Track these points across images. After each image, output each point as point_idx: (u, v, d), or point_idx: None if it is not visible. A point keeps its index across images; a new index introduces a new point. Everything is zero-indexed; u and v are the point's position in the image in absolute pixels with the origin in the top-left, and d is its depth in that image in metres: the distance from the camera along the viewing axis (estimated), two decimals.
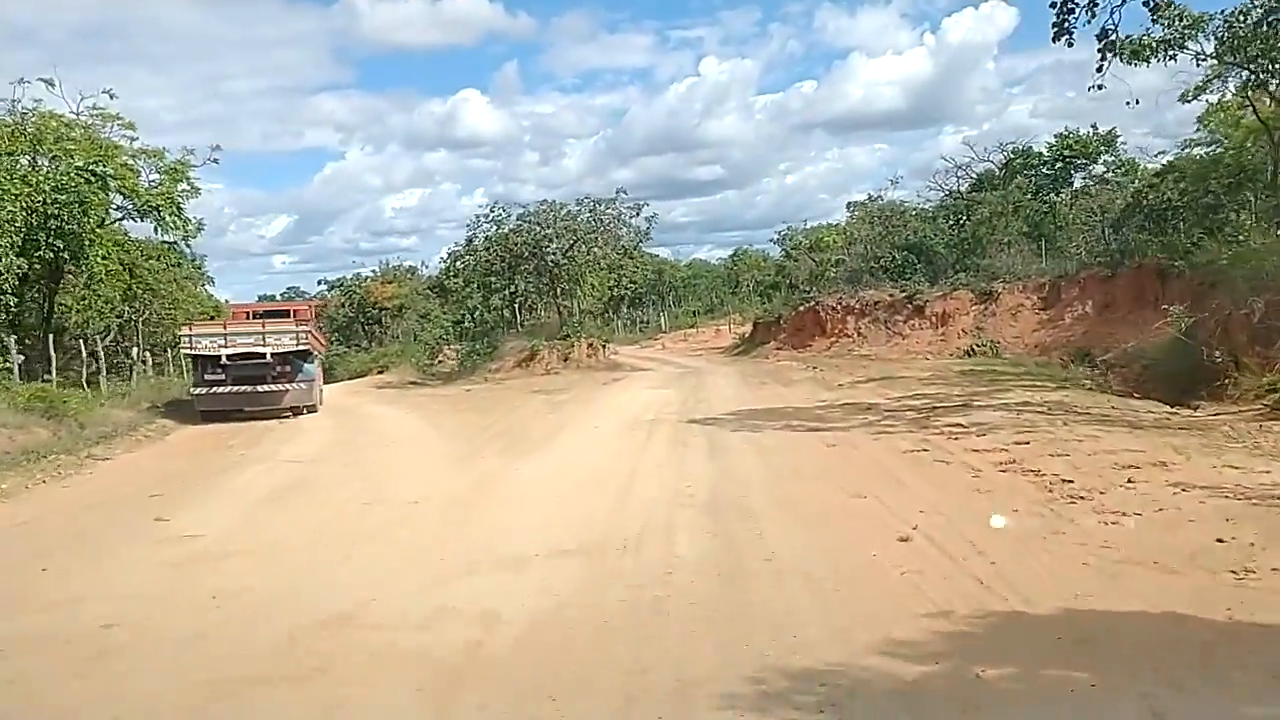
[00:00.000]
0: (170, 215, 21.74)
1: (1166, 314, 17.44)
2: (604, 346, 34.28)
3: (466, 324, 39.43)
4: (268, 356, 19.99)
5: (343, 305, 53.52)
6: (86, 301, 24.35)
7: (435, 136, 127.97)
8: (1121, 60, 16.16)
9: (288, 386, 20.59)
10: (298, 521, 9.52)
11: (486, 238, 34.81)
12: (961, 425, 13.02)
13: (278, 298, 65.36)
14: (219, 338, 20.02)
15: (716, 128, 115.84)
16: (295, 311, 25.45)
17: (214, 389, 20.18)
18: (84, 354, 24.04)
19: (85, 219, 19.95)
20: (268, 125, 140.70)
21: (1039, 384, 18.70)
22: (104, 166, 20.52)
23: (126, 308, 27.35)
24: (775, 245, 59.98)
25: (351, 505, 10.09)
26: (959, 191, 45.23)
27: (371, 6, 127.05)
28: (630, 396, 20.92)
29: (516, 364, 32.66)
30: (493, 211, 34.90)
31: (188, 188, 22.23)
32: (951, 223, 43.38)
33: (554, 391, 23.29)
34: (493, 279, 35.29)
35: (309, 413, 21.47)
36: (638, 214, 35.18)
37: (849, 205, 54.20)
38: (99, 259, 20.84)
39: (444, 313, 46.37)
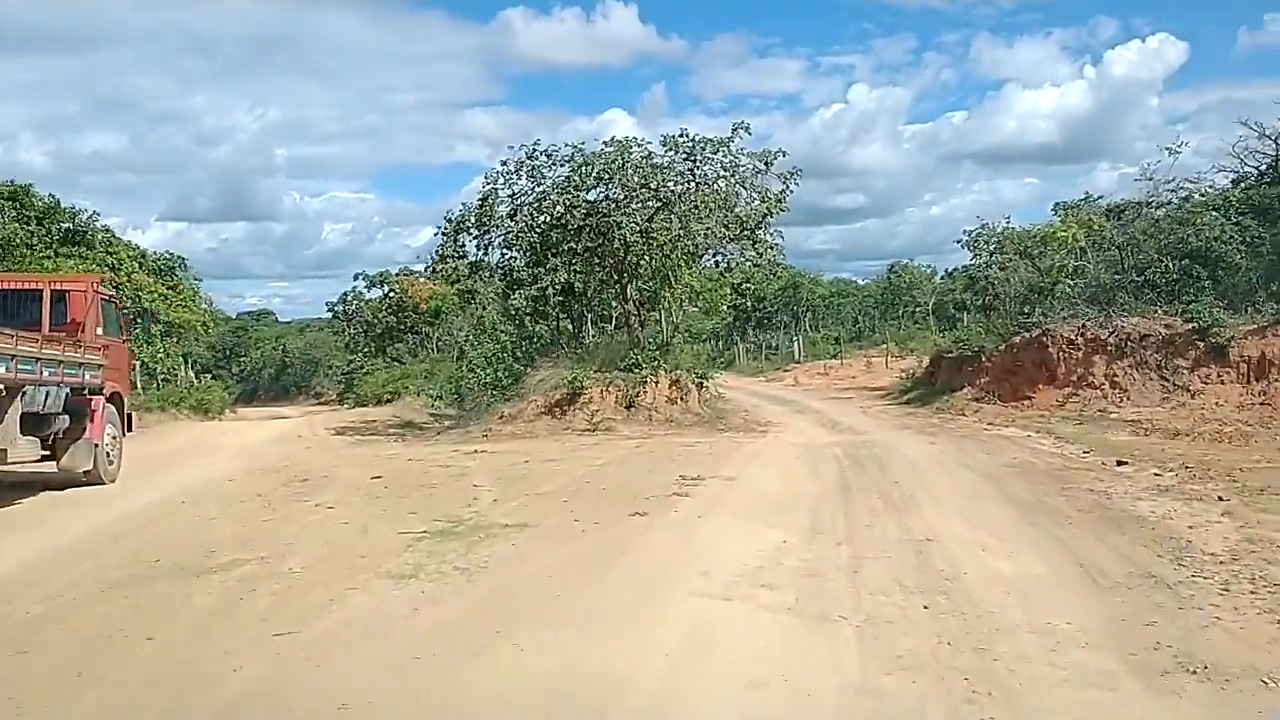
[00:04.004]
0: None
1: None
2: (699, 385, 20.38)
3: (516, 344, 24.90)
4: None
5: (380, 309, 41.32)
6: None
7: None
8: None
9: None
10: None
11: (511, 195, 20.37)
12: None
13: None
14: None
15: (861, 155, 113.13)
16: (67, 293, 13.17)
17: None
18: None
19: None
20: (422, 138, 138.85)
21: None
22: None
23: None
24: (963, 249, 43.13)
25: None
26: (1267, 173, 29.69)
27: (527, 24, 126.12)
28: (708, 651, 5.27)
29: (546, 408, 19.31)
30: (530, 159, 20.26)
31: None
32: (1259, 221, 28.15)
33: (487, 530, 8.83)
34: (515, 267, 20.93)
35: None
36: (767, 169, 20.24)
37: (1055, 206, 37.70)
38: None
39: (504, 324, 33.16)
